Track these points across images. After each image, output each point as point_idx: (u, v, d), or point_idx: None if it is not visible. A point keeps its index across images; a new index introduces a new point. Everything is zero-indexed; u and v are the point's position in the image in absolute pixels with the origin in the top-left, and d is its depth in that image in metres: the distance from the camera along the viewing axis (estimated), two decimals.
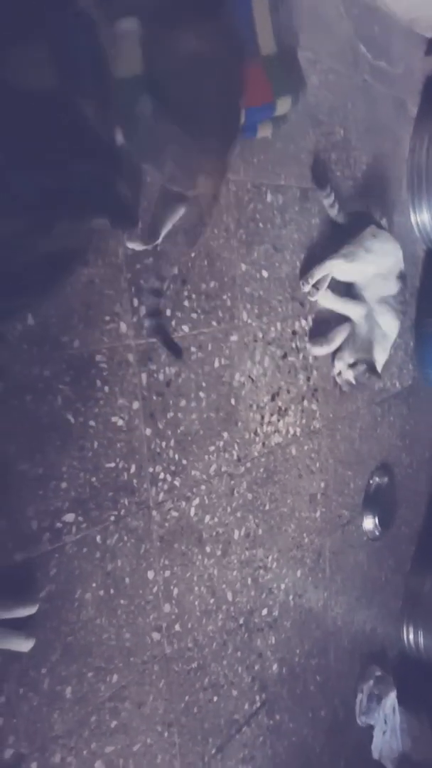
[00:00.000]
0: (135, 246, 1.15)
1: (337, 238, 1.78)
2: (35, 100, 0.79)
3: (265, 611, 1.66)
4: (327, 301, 1.75)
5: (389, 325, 1.87)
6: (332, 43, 1.77)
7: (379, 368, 1.86)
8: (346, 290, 1.87)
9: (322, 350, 1.77)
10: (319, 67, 1.71)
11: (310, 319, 1.76)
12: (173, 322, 1.30)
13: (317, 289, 1.73)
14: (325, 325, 1.80)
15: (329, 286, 1.76)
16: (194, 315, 1.35)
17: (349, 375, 1.81)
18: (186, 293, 1.33)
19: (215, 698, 1.50)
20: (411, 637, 2.59)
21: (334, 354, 1.84)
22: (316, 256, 1.72)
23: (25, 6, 0.81)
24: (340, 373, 1.85)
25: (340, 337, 1.80)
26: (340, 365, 1.83)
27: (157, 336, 1.16)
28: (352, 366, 1.79)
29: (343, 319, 1.84)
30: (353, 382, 1.82)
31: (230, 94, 1.03)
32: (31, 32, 0.82)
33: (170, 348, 1.16)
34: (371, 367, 1.80)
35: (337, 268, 1.73)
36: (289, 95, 1.39)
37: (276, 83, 1.35)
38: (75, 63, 0.89)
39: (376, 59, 1.98)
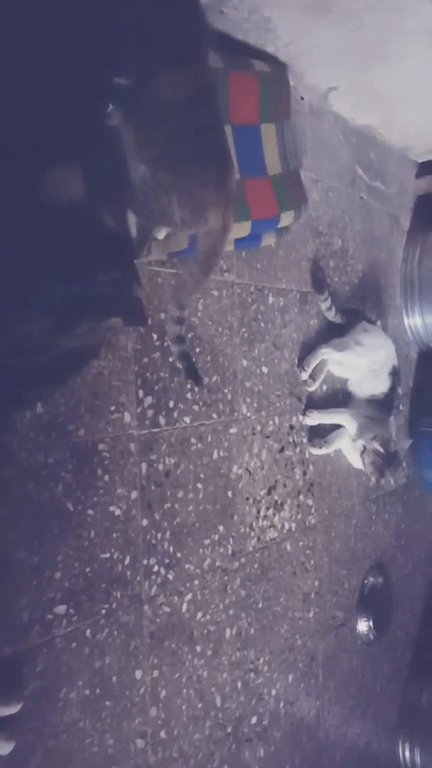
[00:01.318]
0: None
1: (333, 338, 1.86)
2: (64, 214, 0.87)
3: (254, 719, 1.58)
4: (313, 419, 1.81)
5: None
6: (333, 166, 1.95)
7: (393, 434, 1.86)
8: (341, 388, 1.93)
9: (320, 452, 1.82)
10: (320, 185, 1.87)
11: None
12: (176, 414, 1.34)
13: (314, 379, 1.80)
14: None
15: (323, 382, 1.84)
16: (196, 407, 1.39)
17: (367, 460, 1.81)
18: (189, 386, 1.38)
19: None
20: (407, 754, 2.42)
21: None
22: None
23: (67, 127, 0.91)
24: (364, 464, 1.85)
25: (338, 440, 1.84)
26: (360, 459, 1.84)
27: (181, 361, 1.19)
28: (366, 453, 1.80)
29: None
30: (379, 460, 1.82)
31: (212, 124, 1.05)
32: (71, 152, 0.91)
33: (191, 374, 1.20)
34: (384, 441, 1.80)
35: (328, 356, 1.81)
36: (293, 210, 1.51)
37: (281, 199, 1.48)
38: (102, 179, 0.98)
39: (372, 180, 2.17)
